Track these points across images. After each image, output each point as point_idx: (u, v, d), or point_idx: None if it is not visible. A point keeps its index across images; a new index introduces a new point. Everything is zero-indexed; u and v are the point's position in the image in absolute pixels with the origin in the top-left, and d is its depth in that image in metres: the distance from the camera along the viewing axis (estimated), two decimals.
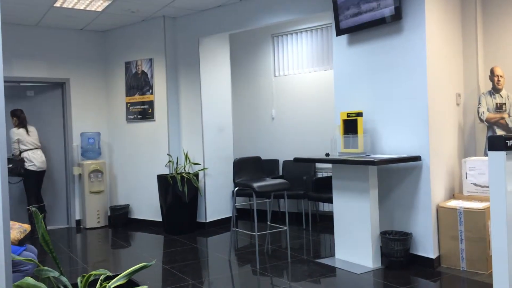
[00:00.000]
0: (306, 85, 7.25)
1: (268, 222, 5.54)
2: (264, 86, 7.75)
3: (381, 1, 4.66)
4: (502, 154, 2.87)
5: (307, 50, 7.21)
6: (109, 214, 7.56)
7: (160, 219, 7.07)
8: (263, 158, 7.53)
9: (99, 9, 6.43)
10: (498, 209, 2.86)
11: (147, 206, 7.37)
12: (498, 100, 5.17)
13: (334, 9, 5.13)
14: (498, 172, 2.89)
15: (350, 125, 4.94)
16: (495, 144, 2.92)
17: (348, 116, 4.96)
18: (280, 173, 7.36)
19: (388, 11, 4.62)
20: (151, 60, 7.18)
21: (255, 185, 4.85)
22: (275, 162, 7.46)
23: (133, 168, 7.50)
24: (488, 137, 3.05)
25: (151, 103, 7.19)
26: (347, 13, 5.01)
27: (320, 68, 7.07)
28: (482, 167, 4.65)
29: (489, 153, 2.95)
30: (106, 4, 6.17)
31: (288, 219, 5.41)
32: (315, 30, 7.10)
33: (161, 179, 6.71)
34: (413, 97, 4.63)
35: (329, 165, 6.70)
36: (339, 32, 5.15)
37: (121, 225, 7.37)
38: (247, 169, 5.29)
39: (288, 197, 6.66)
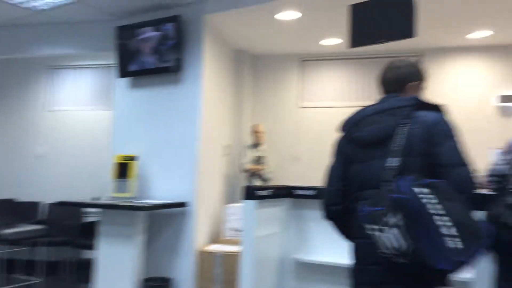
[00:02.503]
0: (81, 123, 6.86)
1: (19, 275, 4.86)
2: (32, 120, 7.03)
3: (164, 54, 4.83)
4: (253, 203, 3.20)
5: (87, 87, 6.89)
6: None
7: None
8: (23, 200, 6.70)
9: None
10: (248, 252, 3.15)
11: None
12: (258, 153, 5.85)
13: (119, 51, 5.08)
14: (249, 219, 3.20)
15: (124, 169, 4.85)
16: (247, 193, 3.25)
17: (122, 159, 4.87)
18: (43, 217, 6.64)
19: (170, 62, 4.81)
20: None
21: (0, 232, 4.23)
22: (36, 205, 6.71)
23: None
24: (243, 187, 3.37)
25: None
26: (132, 56, 5.01)
27: (98, 108, 6.82)
28: (240, 213, 5.10)
29: (243, 201, 3.26)
30: None
31: (47, 269, 4.86)
32: (96, 68, 6.87)
33: None
34: (186, 145, 4.85)
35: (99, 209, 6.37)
36: (123, 74, 5.10)
37: None
38: None
39: (49, 244, 6.02)
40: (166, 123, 4.98)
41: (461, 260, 1.61)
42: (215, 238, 5.18)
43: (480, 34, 5.24)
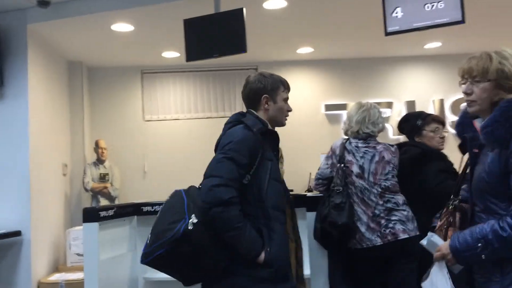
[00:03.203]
0: None
1: None
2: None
3: None
4: (95, 225, 3.01)
5: None
6: None
7: None
8: None
9: None
10: (91, 278, 2.95)
11: None
12: (102, 170, 5.55)
13: None
14: (91, 243, 3.00)
15: None
16: (88, 215, 3.04)
17: None
18: None
19: None
20: None
21: None
22: None
23: None
24: (83, 209, 3.16)
25: None
26: None
27: None
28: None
29: (84, 224, 3.05)
30: None
31: None
32: None
33: None
34: (15, 169, 4.35)
35: None
36: None
37: None
38: None
39: None
40: None
41: (144, 251, 1.94)
42: (58, 266, 4.76)
43: (305, 50, 5.81)
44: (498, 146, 1.54)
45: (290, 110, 2.27)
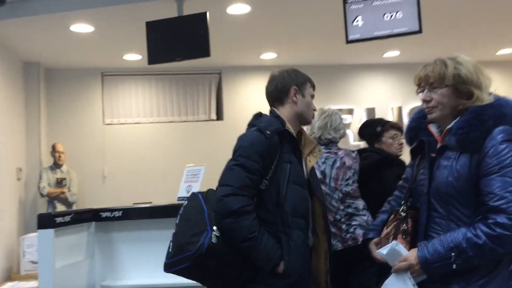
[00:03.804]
0: None
1: None
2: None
3: None
4: (50, 231, 2.90)
5: None
6: None
7: None
8: None
9: None
10: (46, 287, 2.84)
11: None
12: (59, 175, 5.37)
13: None
14: (46, 250, 2.89)
15: None
16: (44, 221, 2.94)
17: None
18: None
19: None
20: None
21: None
22: None
23: None
24: (38, 215, 3.04)
25: None
26: None
27: None
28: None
29: (38, 231, 2.94)
30: None
31: None
32: None
33: None
34: None
35: None
36: None
37: None
38: None
39: None
40: None
41: (167, 261, 1.89)
42: (10, 275, 4.57)
43: (268, 56, 5.85)
44: (470, 149, 1.52)
45: (315, 110, 2.17)
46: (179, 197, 3.13)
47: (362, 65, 6.31)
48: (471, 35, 5.37)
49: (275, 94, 2.09)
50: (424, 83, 1.62)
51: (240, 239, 1.77)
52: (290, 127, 1.97)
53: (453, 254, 1.44)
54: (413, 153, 1.79)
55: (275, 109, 2.07)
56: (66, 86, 5.93)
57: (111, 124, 6.02)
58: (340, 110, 4.49)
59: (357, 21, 3.27)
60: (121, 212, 3.27)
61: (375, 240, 1.74)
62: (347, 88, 6.43)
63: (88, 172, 5.77)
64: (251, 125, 2.02)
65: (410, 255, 1.52)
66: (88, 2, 4.03)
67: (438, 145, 1.63)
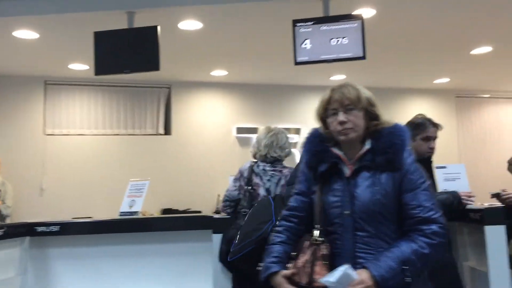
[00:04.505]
0: None
1: None
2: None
3: None
4: None
5: None
6: None
7: None
8: None
9: None
10: None
11: None
12: None
13: None
14: None
15: None
16: None
17: None
18: None
19: None
20: None
21: None
22: None
23: None
24: None
25: None
26: None
27: None
28: None
29: None
30: None
31: None
32: None
33: None
34: None
35: None
36: None
37: None
38: None
39: None
40: None
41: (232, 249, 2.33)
42: None
43: (219, 73, 5.88)
44: (396, 168, 1.60)
45: None
46: (121, 212, 3.05)
47: (310, 86, 6.48)
48: (411, 64, 5.68)
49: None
50: (338, 105, 1.66)
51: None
52: None
53: (405, 267, 1.49)
54: (320, 177, 1.70)
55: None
56: (6, 93, 5.66)
57: (52, 134, 5.78)
58: (288, 129, 4.57)
59: (305, 44, 3.36)
60: (58, 226, 3.13)
61: (287, 272, 1.60)
62: (295, 108, 6.57)
63: (25, 184, 5.49)
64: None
65: (365, 277, 1.48)
66: (33, 8, 3.89)
67: (348, 166, 1.65)
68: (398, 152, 1.62)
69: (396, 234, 1.59)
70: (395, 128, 1.66)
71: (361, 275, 1.48)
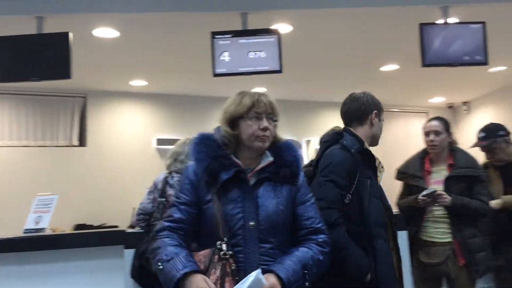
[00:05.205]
0: None
1: None
2: None
3: None
4: None
5: None
6: None
7: None
8: None
9: None
10: None
11: None
12: None
13: None
14: None
15: None
16: None
17: None
18: None
19: None
20: None
21: None
22: None
23: None
24: None
25: None
26: None
27: None
28: None
29: None
30: None
31: None
32: None
33: None
34: None
35: None
36: None
37: None
38: None
39: None
40: None
41: None
42: None
43: (138, 83, 5.75)
44: (296, 180, 1.69)
45: None
46: (25, 229, 2.84)
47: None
48: (326, 79, 5.91)
49: (357, 114, 2.21)
50: (263, 111, 1.66)
51: (336, 249, 1.79)
52: (367, 145, 2.15)
53: (305, 271, 1.55)
54: (220, 186, 1.62)
55: (351, 128, 2.19)
56: None
57: None
58: None
59: (224, 56, 3.39)
60: None
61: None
62: (215, 119, 6.56)
63: None
64: (331, 142, 2.12)
65: (273, 281, 1.48)
66: None
67: (250, 177, 1.65)
68: (300, 167, 1.73)
69: (290, 245, 1.66)
70: (290, 144, 1.76)
71: (269, 279, 1.49)
